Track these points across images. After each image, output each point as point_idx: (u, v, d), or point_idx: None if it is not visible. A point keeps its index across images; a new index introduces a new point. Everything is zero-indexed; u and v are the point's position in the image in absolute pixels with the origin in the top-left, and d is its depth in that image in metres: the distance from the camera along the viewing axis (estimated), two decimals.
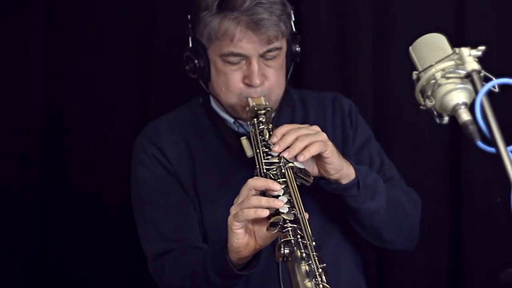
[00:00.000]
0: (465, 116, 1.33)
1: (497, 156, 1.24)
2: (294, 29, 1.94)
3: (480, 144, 1.27)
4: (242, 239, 1.61)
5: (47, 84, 2.57)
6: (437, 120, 1.42)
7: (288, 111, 2.04)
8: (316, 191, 1.83)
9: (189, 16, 1.93)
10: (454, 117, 1.37)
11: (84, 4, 2.58)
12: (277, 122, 1.90)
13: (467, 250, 2.49)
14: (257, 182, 1.62)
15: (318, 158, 1.77)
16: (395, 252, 2.41)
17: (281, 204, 1.57)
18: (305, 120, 2.03)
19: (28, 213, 2.56)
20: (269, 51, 1.87)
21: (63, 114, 2.59)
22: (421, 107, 1.42)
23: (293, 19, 1.93)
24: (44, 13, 2.55)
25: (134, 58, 2.58)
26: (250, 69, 1.87)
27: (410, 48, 1.46)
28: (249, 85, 1.88)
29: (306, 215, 1.58)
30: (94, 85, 2.59)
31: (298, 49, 1.96)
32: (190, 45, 1.93)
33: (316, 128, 1.78)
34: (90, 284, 2.60)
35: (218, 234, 1.87)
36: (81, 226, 2.57)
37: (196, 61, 1.92)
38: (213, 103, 2.01)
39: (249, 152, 1.80)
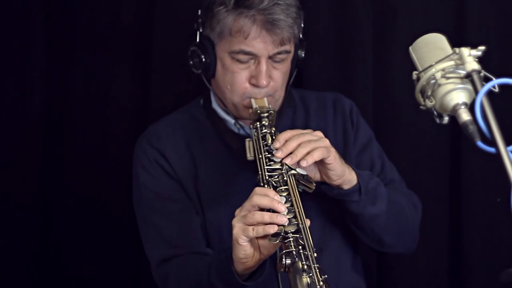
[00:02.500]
0: (465, 116, 1.33)
1: (497, 156, 1.24)
2: (301, 35, 1.94)
3: (480, 144, 1.27)
4: (248, 250, 1.61)
5: (47, 84, 2.56)
6: (437, 120, 1.42)
7: (289, 111, 2.03)
8: (317, 195, 1.82)
9: (199, 11, 1.92)
10: (454, 117, 1.37)
11: (84, 4, 2.58)
12: (278, 123, 1.90)
13: (467, 250, 2.49)
14: (262, 201, 1.60)
15: (321, 164, 1.76)
16: (395, 255, 2.41)
17: (284, 219, 1.56)
18: (306, 120, 2.03)
19: (29, 215, 2.55)
20: (279, 53, 1.87)
21: (63, 114, 2.59)
22: (421, 107, 1.42)
23: (302, 25, 1.93)
24: (44, 13, 2.55)
25: (134, 58, 2.58)
26: (258, 69, 1.86)
27: (410, 48, 1.46)
28: (255, 85, 1.87)
29: (308, 222, 1.58)
30: (94, 85, 2.58)
31: (303, 55, 1.97)
32: (198, 40, 1.92)
33: (319, 133, 1.77)
34: (90, 285, 2.59)
35: (221, 237, 1.87)
36: (82, 227, 2.57)
37: (202, 56, 1.91)
38: (214, 104, 2.01)
39: (249, 155, 1.80)
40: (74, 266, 2.58)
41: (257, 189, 1.63)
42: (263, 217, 1.57)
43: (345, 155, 1.84)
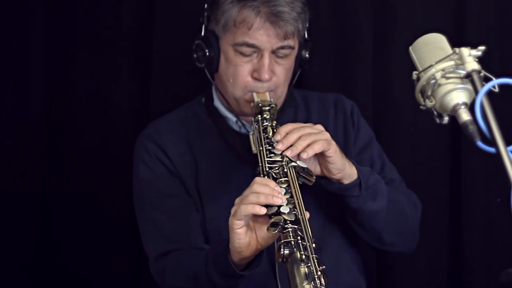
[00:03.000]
0: (465, 116, 1.33)
1: (497, 156, 1.24)
2: (306, 36, 1.95)
3: (480, 144, 1.27)
4: (243, 239, 1.61)
5: (47, 84, 2.56)
6: (437, 120, 1.42)
7: (291, 111, 2.04)
8: (317, 191, 1.83)
9: (205, 5, 1.94)
10: (454, 117, 1.37)
11: (84, 4, 2.58)
12: (279, 122, 1.90)
13: (467, 250, 2.49)
14: (262, 189, 1.59)
15: (321, 157, 1.77)
16: (395, 254, 2.41)
17: (280, 201, 1.57)
18: (307, 120, 2.03)
19: (29, 215, 2.55)
20: (283, 48, 1.88)
21: (64, 114, 2.59)
22: (421, 107, 1.42)
23: (307, 25, 1.93)
24: (44, 13, 2.55)
25: (134, 58, 2.58)
26: (261, 63, 1.87)
27: (410, 48, 1.46)
28: (257, 79, 1.88)
29: (307, 214, 1.58)
30: (94, 85, 2.58)
31: (307, 55, 1.97)
32: (203, 33, 1.94)
33: (319, 127, 1.78)
34: (90, 285, 2.59)
35: (220, 233, 1.87)
36: (82, 227, 2.57)
37: (206, 50, 1.92)
38: (216, 101, 2.01)
39: (254, 148, 1.80)
40: (74, 266, 2.58)
41: (258, 178, 1.63)
42: (259, 198, 1.57)
43: (345, 154, 1.84)
